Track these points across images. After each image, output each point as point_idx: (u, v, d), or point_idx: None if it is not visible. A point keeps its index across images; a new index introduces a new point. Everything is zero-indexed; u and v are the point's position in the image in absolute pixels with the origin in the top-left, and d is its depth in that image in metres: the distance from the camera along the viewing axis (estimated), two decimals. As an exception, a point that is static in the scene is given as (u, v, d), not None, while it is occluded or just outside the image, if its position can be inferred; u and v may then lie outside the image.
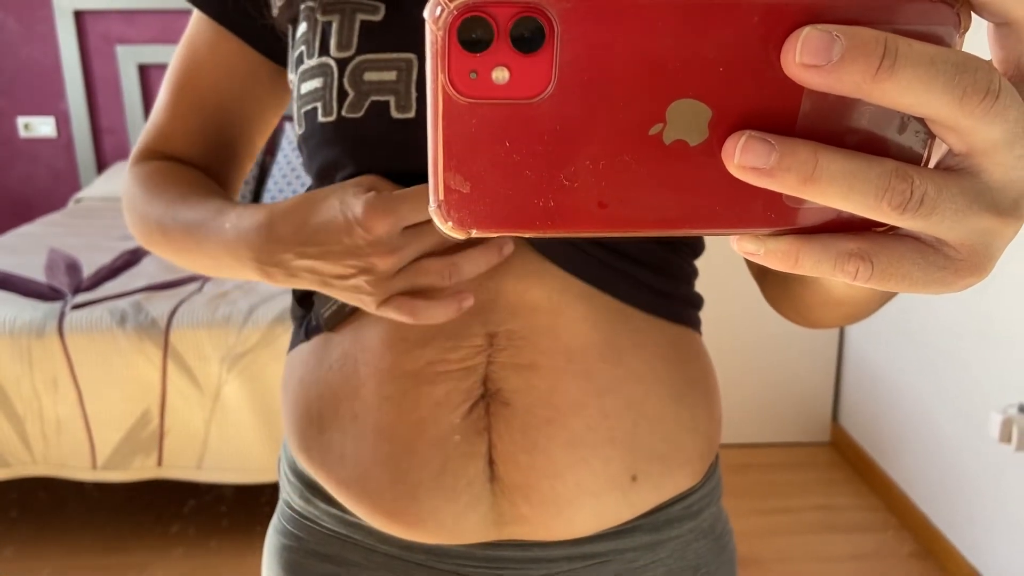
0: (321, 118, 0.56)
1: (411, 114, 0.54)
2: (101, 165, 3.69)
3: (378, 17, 0.56)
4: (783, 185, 0.23)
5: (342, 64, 0.55)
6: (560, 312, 0.56)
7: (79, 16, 3.50)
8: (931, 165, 0.25)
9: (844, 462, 2.65)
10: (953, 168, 0.24)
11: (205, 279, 2.25)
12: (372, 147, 0.55)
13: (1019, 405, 1.83)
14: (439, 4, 0.22)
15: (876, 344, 2.48)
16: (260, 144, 0.72)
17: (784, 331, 2.64)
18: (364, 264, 0.51)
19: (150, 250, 0.67)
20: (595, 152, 0.23)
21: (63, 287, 2.18)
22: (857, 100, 0.23)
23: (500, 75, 0.22)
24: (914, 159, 0.25)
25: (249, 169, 0.73)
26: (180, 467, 2.07)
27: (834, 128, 0.24)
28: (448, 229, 0.24)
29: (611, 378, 0.56)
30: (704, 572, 0.63)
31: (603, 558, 0.60)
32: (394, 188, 0.54)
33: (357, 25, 0.56)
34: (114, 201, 3.24)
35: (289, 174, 3.21)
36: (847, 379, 2.68)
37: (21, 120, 3.59)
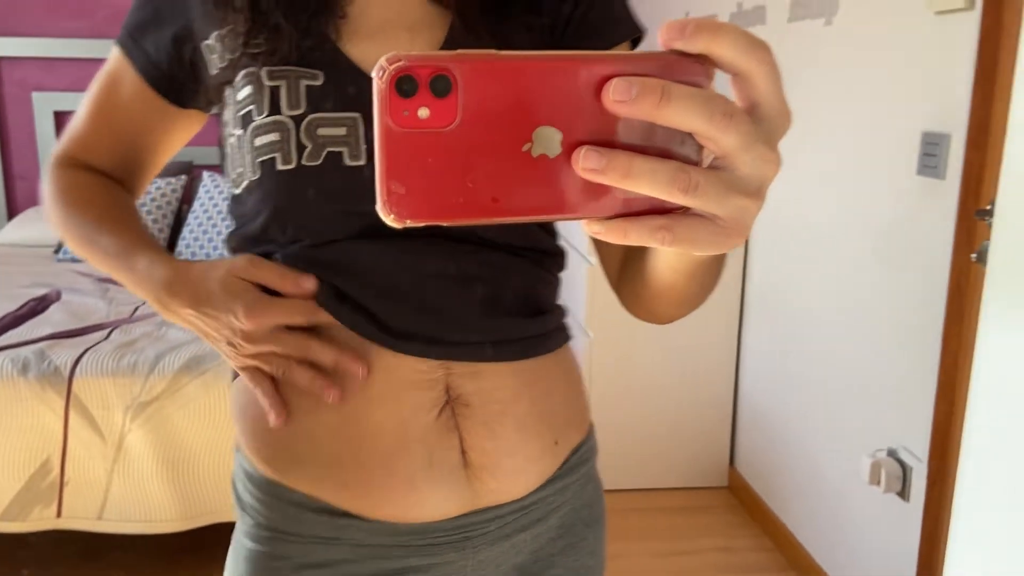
0: (280, 166, 0.68)
1: (362, 161, 0.68)
2: (12, 211, 3.65)
3: (319, 82, 0.69)
4: (611, 180, 0.34)
5: (297, 120, 0.68)
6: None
7: (-5, 62, 3.50)
8: (704, 165, 0.37)
9: (741, 506, 2.76)
10: (715, 166, 0.36)
11: (113, 327, 2.25)
12: (327, 190, 0.69)
13: (887, 449, 1.97)
14: (382, 67, 0.32)
15: (764, 391, 2.62)
16: (166, 160, 0.87)
17: (683, 380, 2.76)
18: (232, 336, 0.71)
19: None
20: (488, 163, 0.34)
21: (-36, 335, 2.15)
22: (652, 123, 0.34)
23: (423, 113, 0.33)
24: (692, 161, 0.36)
25: (153, 177, 0.89)
26: (79, 518, 2.05)
27: (640, 141, 0.35)
28: (391, 221, 0.34)
29: (531, 374, 0.76)
30: (592, 509, 0.84)
31: (535, 505, 0.78)
32: (274, 268, 0.71)
33: (302, 89, 0.69)
34: (24, 247, 3.20)
35: (205, 223, 3.23)
36: (742, 425, 2.81)
37: (-71, 164, 3.53)
